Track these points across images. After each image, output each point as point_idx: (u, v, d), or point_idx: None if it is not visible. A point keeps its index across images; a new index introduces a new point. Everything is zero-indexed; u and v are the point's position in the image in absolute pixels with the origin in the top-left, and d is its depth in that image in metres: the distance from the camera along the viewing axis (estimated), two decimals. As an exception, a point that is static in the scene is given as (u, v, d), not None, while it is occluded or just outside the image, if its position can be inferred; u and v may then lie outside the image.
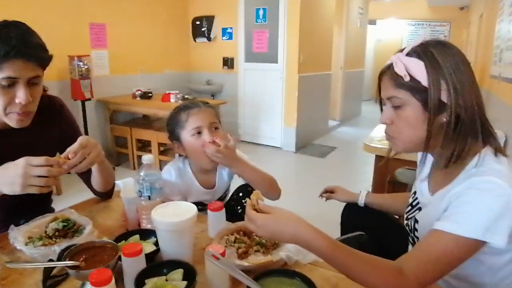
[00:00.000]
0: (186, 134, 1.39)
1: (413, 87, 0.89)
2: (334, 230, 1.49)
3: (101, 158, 1.19)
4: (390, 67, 0.94)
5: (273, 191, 1.45)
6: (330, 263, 0.85)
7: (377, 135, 2.58)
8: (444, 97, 0.87)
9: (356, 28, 7.69)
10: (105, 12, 4.41)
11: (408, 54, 0.91)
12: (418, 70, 0.88)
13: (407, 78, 0.89)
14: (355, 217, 1.50)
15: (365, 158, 4.63)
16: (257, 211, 0.90)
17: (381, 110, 1.01)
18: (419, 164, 1.12)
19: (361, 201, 1.48)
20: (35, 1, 3.68)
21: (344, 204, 1.57)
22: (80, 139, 1.11)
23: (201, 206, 1.37)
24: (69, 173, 1.10)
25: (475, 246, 0.83)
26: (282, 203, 3.84)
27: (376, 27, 10.64)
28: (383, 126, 1.02)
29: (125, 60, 4.74)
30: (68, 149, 1.09)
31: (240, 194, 1.49)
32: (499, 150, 0.90)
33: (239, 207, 1.49)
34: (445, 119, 0.89)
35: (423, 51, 0.89)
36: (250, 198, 0.93)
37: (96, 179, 1.34)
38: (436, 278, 0.85)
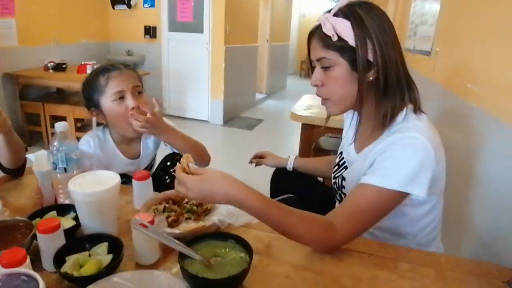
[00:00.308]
0: (107, 100, 1.28)
1: (341, 47, 0.90)
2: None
3: (6, 127, 1.07)
4: (318, 28, 0.94)
5: (203, 158, 1.41)
6: (263, 219, 0.84)
7: (303, 104, 2.65)
8: (370, 56, 0.90)
9: (281, 2, 7.72)
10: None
11: (335, 15, 0.91)
12: (345, 29, 0.89)
13: (335, 38, 0.90)
14: (284, 181, 1.53)
15: (290, 129, 4.77)
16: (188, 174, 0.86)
17: (312, 72, 1.02)
18: (345, 125, 1.16)
19: (289, 166, 1.51)
20: None
21: (273, 170, 1.59)
22: None
23: (126, 179, 1.29)
24: None
25: (399, 197, 0.88)
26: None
27: (301, 2, 10.80)
28: (314, 91, 1.03)
29: (36, 29, 4.23)
30: None
31: (168, 163, 1.42)
32: (418, 108, 0.95)
33: (167, 177, 1.42)
34: (371, 78, 0.92)
35: (349, 10, 0.90)
36: (180, 163, 0.88)
37: (3, 153, 1.19)
38: (364, 229, 0.90)
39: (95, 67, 3.85)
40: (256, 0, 6.06)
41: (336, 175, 1.15)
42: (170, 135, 1.33)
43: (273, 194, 1.54)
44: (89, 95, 1.32)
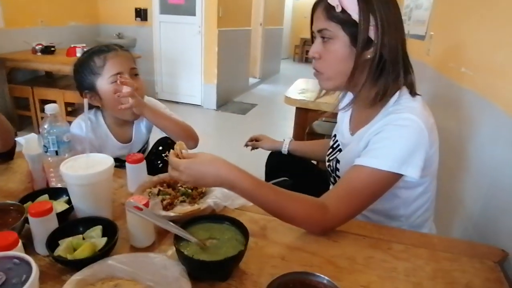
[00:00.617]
0: (103, 82, 1.26)
1: (344, 20, 0.89)
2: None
3: None
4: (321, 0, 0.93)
5: (190, 138, 1.38)
6: (255, 201, 0.84)
7: (297, 88, 2.64)
8: (371, 34, 0.88)
9: (274, -16, 7.60)
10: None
11: None
12: (351, 2, 0.87)
13: (338, 9, 0.88)
14: (279, 165, 1.53)
15: (284, 113, 4.76)
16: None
17: (312, 43, 1.00)
18: (340, 108, 1.15)
19: (284, 149, 1.51)
20: None
21: (267, 154, 1.59)
22: None
23: (118, 163, 1.28)
24: None
25: (392, 179, 0.88)
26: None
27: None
28: (308, 75, 1.01)
29: (23, 10, 4.10)
30: None
31: (160, 148, 1.41)
32: (413, 91, 0.95)
33: (159, 162, 1.41)
34: (369, 56, 0.91)
35: None
36: (173, 149, 0.88)
37: None
38: (358, 211, 0.90)
39: (85, 49, 3.81)
40: (249, -18, 5.95)
41: (330, 158, 1.15)
42: (151, 113, 1.30)
43: (268, 177, 1.54)
44: (82, 76, 1.29)
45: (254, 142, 1.61)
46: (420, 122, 0.86)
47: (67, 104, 3.76)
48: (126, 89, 1.22)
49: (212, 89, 5.19)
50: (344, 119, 1.14)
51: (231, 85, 5.71)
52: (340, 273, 0.78)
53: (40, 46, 3.92)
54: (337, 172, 1.10)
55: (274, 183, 1.36)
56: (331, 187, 1.22)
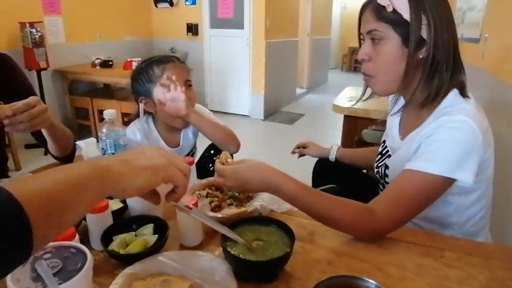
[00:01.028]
0: (160, 90, 1.32)
1: (394, 20, 0.87)
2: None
3: (47, 123, 1.11)
4: (370, 1, 0.91)
5: (232, 142, 1.40)
6: (299, 205, 0.84)
7: (346, 96, 2.60)
8: (424, 33, 0.86)
9: (322, -6, 7.60)
10: (56, -26, 4.08)
11: None
12: (401, 2, 0.85)
13: (389, 9, 0.86)
14: (326, 172, 1.51)
15: (332, 123, 4.69)
16: None
17: (360, 46, 0.98)
18: (390, 112, 1.12)
19: (332, 156, 1.49)
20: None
21: (315, 161, 1.57)
22: (30, 99, 1.04)
23: None
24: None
25: (445, 184, 0.84)
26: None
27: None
28: (358, 84, 1.00)
29: (82, 27, 4.45)
30: (15, 104, 1.01)
31: (211, 152, 1.47)
32: (464, 92, 0.90)
33: (210, 165, 1.46)
34: (421, 56, 0.88)
35: None
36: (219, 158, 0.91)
37: (50, 144, 1.26)
38: (408, 217, 0.86)
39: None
40: (297, -7, 5.99)
41: (379, 164, 1.12)
42: (196, 119, 1.35)
43: (315, 185, 1.52)
44: (140, 84, 1.37)
45: (301, 149, 1.60)
46: (474, 124, 0.82)
47: (123, 115, 3.97)
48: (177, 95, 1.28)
49: (260, 100, 5.25)
50: (393, 123, 1.10)
51: (279, 95, 5.74)
52: (389, 280, 0.75)
53: (99, 60, 4.20)
54: (386, 178, 1.06)
55: (321, 190, 1.35)
56: (380, 194, 1.19)
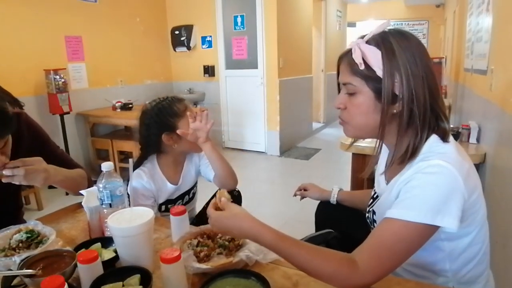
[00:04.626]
0: (185, 122, 1.46)
1: (368, 75, 0.89)
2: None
3: (40, 182, 1.21)
4: (348, 52, 0.93)
5: (231, 178, 1.55)
6: (280, 254, 0.86)
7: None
8: (396, 89, 0.87)
9: (335, 31, 7.76)
10: (81, 24, 4.36)
11: (367, 42, 0.90)
12: (375, 59, 0.87)
13: (362, 67, 0.88)
14: (328, 214, 1.51)
15: (348, 158, 4.64)
16: (218, 209, 0.95)
17: (339, 93, 1.01)
18: (376, 155, 1.13)
19: (333, 199, 1.49)
20: (8, 15, 3.63)
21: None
22: (30, 159, 1.19)
23: (170, 206, 1.44)
24: None
25: (427, 231, 0.82)
26: (269, 205, 3.83)
27: (356, 29, 10.76)
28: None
29: (104, 72, 4.70)
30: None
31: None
32: (445, 138, 0.90)
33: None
34: (395, 110, 0.89)
35: (382, 39, 0.89)
36: (215, 197, 0.99)
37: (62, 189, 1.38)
38: (391, 267, 0.84)
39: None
40: (309, 32, 6.16)
41: (369, 209, 1.12)
42: (210, 148, 1.48)
43: (318, 227, 1.51)
44: (163, 119, 1.49)
45: (302, 192, 1.61)
46: (452, 168, 0.81)
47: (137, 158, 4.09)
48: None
49: (275, 136, 5.30)
50: (380, 168, 1.11)
51: (294, 131, 5.79)
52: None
53: (120, 103, 4.38)
54: (374, 224, 1.06)
55: (316, 235, 1.35)
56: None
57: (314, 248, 0.85)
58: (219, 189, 1.05)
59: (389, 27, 0.93)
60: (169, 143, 1.50)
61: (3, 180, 1.14)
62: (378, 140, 0.95)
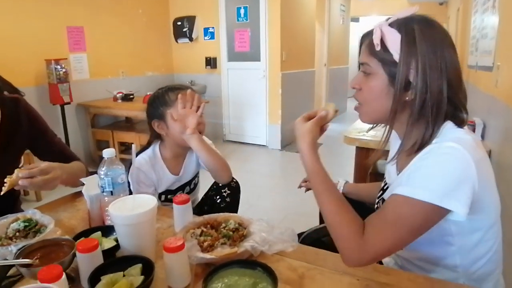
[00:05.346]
0: (174, 112, 1.40)
1: (384, 58, 0.87)
2: (317, 222, 1.48)
3: (53, 187, 1.21)
4: (370, 33, 0.91)
5: (224, 171, 1.48)
6: (312, 188, 0.94)
7: (358, 126, 2.57)
8: (411, 77, 0.85)
9: (338, 26, 7.71)
10: (82, 15, 4.31)
11: (390, 24, 0.88)
12: (393, 42, 0.85)
13: (378, 48, 0.87)
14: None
15: (350, 152, 4.62)
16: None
17: None
18: (383, 142, 1.10)
19: (338, 192, 1.46)
20: (10, 5, 3.58)
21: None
22: (46, 166, 1.16)
23: (171, 197, 1.44)
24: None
25: (432, 212, 0.79)
26: (269, 199, 3.81)
27: (359, 24, 10.68)
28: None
29: (105, 63, 4.65)
30: (31, 168, 1.13)
31: (220, 184, 1.50)
32: (462, 124, 0.88)
33: (218, 197, 1.50)
34: (407, 98, 0.87)
35: (405, 24, 0.86)
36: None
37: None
38: (393, 244, 0.82)
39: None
40: (312, 26, 6.10)
41: (379, 199, 1.09)
42: (197, 142, 1.40)
43: (323, 220, 1.49)
44: (155, 107, 1.45)
45: (307, 184, 1.58)
46: (465, 151, 0.78)
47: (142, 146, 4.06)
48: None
49: (277, 130, 5.27)
50: (391, 156, 1.08)
51: (296, 126, 5.74)
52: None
53: (121, 94, 4.35)
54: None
55: (321, 227, 1.32)
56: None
57: (343, 203, 0.88)
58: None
59: (416, 12, 0.90)
60: (160, 132, 1.46)
61: (16, 188, 1.13)
62: (388, 127, 0.93)
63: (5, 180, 1.09)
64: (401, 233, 0.81)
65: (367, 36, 0.93)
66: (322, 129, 1.00)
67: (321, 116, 0.99)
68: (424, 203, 0.78)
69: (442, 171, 0.79)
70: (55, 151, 1.44)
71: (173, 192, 1.54)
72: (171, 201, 1.49)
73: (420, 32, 0.84)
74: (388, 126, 0.92)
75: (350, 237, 0.82)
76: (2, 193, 1.09)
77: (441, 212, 0.80)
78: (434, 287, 0.84)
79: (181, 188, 1.56)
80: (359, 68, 0.99)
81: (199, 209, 1.59)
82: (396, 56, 0.85)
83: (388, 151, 1.29)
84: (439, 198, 0.77)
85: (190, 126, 1.37)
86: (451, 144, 0.80)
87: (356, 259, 0.83)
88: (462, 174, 0.78)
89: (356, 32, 10.31)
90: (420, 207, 0.78)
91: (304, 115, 1.00)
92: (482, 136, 2.11)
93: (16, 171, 1.11)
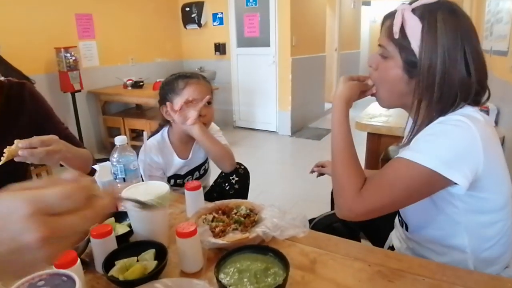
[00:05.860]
0: (179, 101, 1.41)
1: (403, 45, 0.87)
2: (328, 208, 1.48)
3: (56, 163, 1.17)
4: (392, 14, 0.90)
5: (227, 160, 1.48)
6: (332, 133, 0.97)
7: (370, 112, 2.54)
8: (430, 67, 0.84)
9: (349, 9, 7.57)
10: (91, 2, 4.29)
11: (413, 10, 0.86)
12: (414, 31, 0.85)
13: (396, 36, 0.87)
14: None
15: (361, 139, 4.59)
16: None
17: None
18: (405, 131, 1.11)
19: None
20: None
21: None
22: (47, 137, 1.10)
23: (180, 182, 1.47)
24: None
25: (430, 178, 0.80)
26: (280, 185, 3.82)
27: (371, 8, 10.47)
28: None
29: (115, 50, 4.65)
30: (31, 140, 1.06)
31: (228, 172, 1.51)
32: (477, 104, 0.89)
33: (226, 184, 1.50)
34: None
35: (429, 12, 0.85)
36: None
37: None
38: (388, 203, 0.85)
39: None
40: (323, 10, 6.00)
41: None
42: (199, 132, 1.40)
43: (334, 205, 1.49)
44: (165, 93, 1.47)
45: (320, 168, 1.58)
46: (473, 128, 0.78)
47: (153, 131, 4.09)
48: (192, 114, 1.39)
49: (287, 116, 5.24)
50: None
51: (306, 111, 5.71)
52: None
53: (130, 81, 4.36)
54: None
55: (332, 213, 1.32)
56: (396, 217, 1.14)
57: (353, 159, 0.92)
58: None
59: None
60: (168, 118, 1.48)
61: (16, 159, 1.05)
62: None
63: (4, 150, 1.02)
64: (397, 194, 0.83)
65: (389, 18, 0.92)
66: (362, 93, 1.00)
67: (366, 83, 0.99)
68: (423, 168, 0.79)
69: (447, 140, 0.80)
70: (61, 137, 1.42)
71: (182, 177, 1.54)
72: (180, 185, 1.51)
73: (443, 22, 0.83)
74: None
75: (348, 189, 0.87)
76: (0, 163, 1.02)
77: (440, 181, 0.80)
78: (446, 273, 0.83)
79: (190, 173, 1.57)
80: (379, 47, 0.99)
81: (208, 196, 1.60)
82: (414, 44, 0.85)
83: (399, 137, 1.28)
84: (440, 165, 0.78)
85: (191, 117, 1.38)
86: (460, 117, 0.81)
87: (348, 209, 0.87)
88: (467, 147, 0.79)
89: (367, 16, 10.11)
90: (419, 171, 0.80)
91: (352, 75, 1.02)
92: (496, 122, 2.07)
93: (15, 141, 1.03)
